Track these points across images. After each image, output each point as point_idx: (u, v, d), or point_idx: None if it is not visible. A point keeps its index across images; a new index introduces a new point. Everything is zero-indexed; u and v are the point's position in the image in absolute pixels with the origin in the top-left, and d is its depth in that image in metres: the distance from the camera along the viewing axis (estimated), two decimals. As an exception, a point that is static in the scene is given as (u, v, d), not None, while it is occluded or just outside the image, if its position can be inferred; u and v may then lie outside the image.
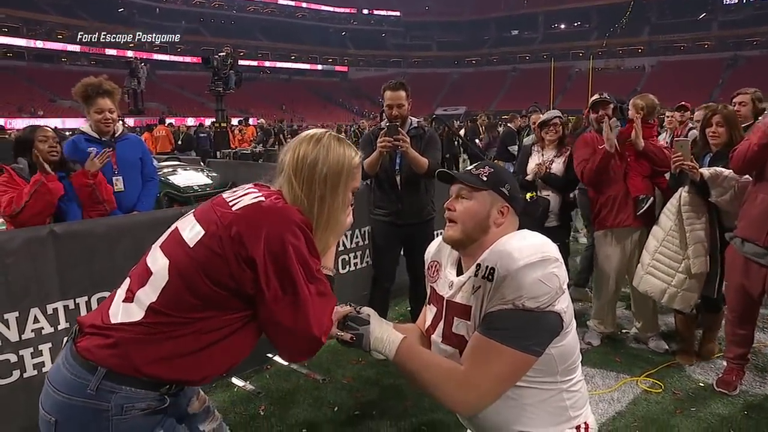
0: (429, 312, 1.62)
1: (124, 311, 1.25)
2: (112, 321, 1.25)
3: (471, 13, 68.63)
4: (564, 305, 1.34)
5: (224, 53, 12.84)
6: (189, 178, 7.44)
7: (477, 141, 10.19)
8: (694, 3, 55.03)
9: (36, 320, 2.35)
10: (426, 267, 1.67)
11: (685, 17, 55.91)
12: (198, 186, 7.27)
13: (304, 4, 66.80)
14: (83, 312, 2.48)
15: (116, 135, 3.27)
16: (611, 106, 3.47)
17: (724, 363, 3.08)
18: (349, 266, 3.95)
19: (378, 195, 3.35)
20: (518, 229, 1.51)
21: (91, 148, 3.07)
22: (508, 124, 8.32)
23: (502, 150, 7.49)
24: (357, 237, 3.97)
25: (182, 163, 8.36)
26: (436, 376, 1.38)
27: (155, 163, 4.51)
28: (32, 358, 2.35)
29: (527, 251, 1.33)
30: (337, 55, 68.42)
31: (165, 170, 7.47)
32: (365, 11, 70.33)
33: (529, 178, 3.70)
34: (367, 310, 1.49)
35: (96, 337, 1.24)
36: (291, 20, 66.15)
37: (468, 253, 1.49)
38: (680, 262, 3.04)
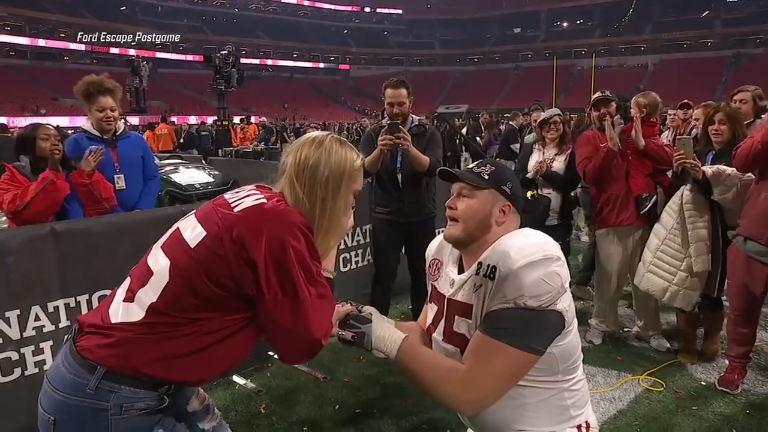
0: (430, 310, 1.61)
1: (124, 311, 1.25)
2: (113, 320, 1.25)
3: (473, 11, 68.51)
4: (566, 304, 1.34)
5: (226, 51, 12.84)
6: (191, 176, 7.44)
7: (477, 139, 10.18)
8: (697, 1, 54.83)
9: (37, 318, 2.35)
10: (427, 265, 1.66)
11: (688, 15, 55.71)
12: (199, 184, 7.26)
13: (306, 2, 66.75)
14: (84, 310, 2.49)
15: (118, 133, 3.27)
16: (613, 104, 3.46)
17: (726, 362, 3.07)
18: (350, 264, 3.95)
19: (379, 193, 3.34)
20: (520, 228, 1.50)
21: (93, 147, 3.07)
22: (510, 123, 8.30)
23: (504, 148, 7.48)
24: (358, 235, 3.97)
25: (184, 162, 8.35)
26: (438, 375, 1.38)
27: (156, 161, 4.52)
28: (33, 355, 2.35)
29: (529, 250, 1.32)
30: (339, 53, 68.40)
31: (166, 168, 7.47)
32: (367, 9, 70.26)
33: (529, 175, 3.69)
34: (369, 309, 1.49)
35: (96, 336, 1.24)
36: (293, 18, 66.11)
37: (469, 252, 1.48)
38: (682, 260, 3.03)
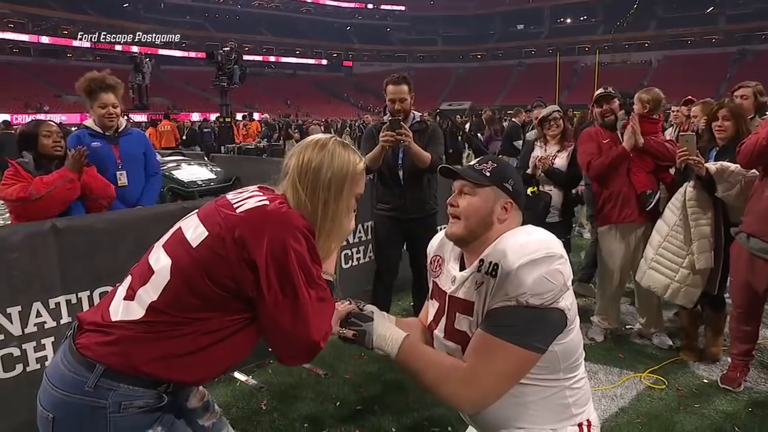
0: (431, 307, 1.61)
1: (124, 309, 1.25)
2: (113, 318, 1.25)
3: (476, 8, 68.32)
4: (568, 302, 1.33)
5: (228, 48, 12.84)
6: (193, 172, 7.46)
7: (479, 135, 10.18)
8: (701, -3, 54.65)
9: (38, 314, 2.36)
10: (428, 261, 1.66)
11: (693, 11, 55.45)
12: (202, 181, 7.29)
13: (308, -1, 66.75)
14: (85, 306, 2.49)
15: (120, 130, 3.27)
16: (615, 100, 3.44)
17: (729, 359, 3.06)
18: (352, 261, 3.95)
19: (381, 190, 3.34)
20: (522, 225, 1.49)
21: (96, 143, 3.07)
22: (513, 119, 8.28)
23: (507, 145, 7.47)
24: (360, 232, 3.97)
25: (186, 158, 8.37)
26: (439, 374, 1.37)
27: (159, 157, 4.52)
28: (35, 351, 2.36)
29: (531, 247, 1.32)
30: (341, 50, 68.33)
31: (169, 165, 7.49)
32: (370, 6, 70.16)
33: (529, 171, 3.68)
34: (370, 307, 1.49)
35: (95, 334, 1.24)
36: (296, 15, 66.07)
37: (471, 249, 1.47)
38: (684, 257, 3.02)
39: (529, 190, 3.56)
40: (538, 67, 56.88)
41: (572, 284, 1.38)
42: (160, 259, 1.28)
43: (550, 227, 1.53)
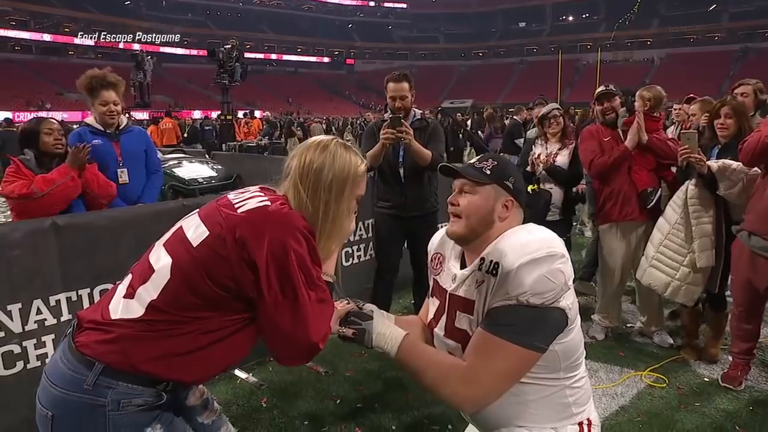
0: (431, 304, 1.60)
1: (124, 307, 1.25)
2: (112, 317, 1.25)
3: (478, 5, 68.20)
4: (569, 301, 1.32)
5: (230, 46, 12.83)
6: (194, 170, 7.47)
7: (479, 132, 10.18)
8: (704, -6, 54.48)
9: (39, 311, 2.36)
10: (429, 259, 1.65)
11: (695, 9, 55.31)
12: (203, 178, 7.29)
13: (310, -4, 66.67)
14: (86, 304, 2.49)
15: (121, 127, 3.28)
16: (617, 98, 3.43)
17: (730, 358, 3.06)
18: (353, 259, 3.95)
19: (381, 187, 3.33)
20: (523, 223, 1.49)
21: (97, 141, 3.07)
22: (515, 117, 8.27)
23: (509, 143, 7.46)
24: (360, 230, 3.97)
25: (187, 156, 8.38)
26: (439, 373, 1.37)
27: (160, 155, 4.52)
28: (35, 349, 2.36)
29: (532, 246, 1.31)
30: (343, 48, 68.31)
31: (170, 162, 7.50)
32: (372, 3, 70.10)
33: (528, 168, 3.67)
34: (369, 306, 1.48)
35: (95, 332, 1.25)
36: (297, 12, 66.03)
37: (472, 247, 1.47)
38: (685, 255, 3.01)
39: (530, 188, 3.56)
40: (540, 65, 56.79)
41: (573, 283, 1.37)
42: (160, 258, 1.29)
43: (550, 225, 1.53)
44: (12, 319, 2.29)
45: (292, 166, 1.36)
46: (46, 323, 2.39)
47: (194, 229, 1.28)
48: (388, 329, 1.42)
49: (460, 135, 9.62)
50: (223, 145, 12.77)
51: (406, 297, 4.10)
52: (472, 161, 1.55)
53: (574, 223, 5.82)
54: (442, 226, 1.68)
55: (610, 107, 3.41)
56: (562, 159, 3.67)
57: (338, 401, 2.84)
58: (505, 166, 1.50)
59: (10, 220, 2.97)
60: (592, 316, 3.66)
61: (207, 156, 8.82)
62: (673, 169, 3.35)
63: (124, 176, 3.25)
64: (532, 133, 4.29)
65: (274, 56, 63.19)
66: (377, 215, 3.43)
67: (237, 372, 3.10)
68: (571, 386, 1.40)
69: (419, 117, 3.28)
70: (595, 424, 1.46)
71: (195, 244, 1.25)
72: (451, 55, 68.30)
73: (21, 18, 47.92)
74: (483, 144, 8.81)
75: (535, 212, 3.43)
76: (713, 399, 2.81)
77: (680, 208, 3.05)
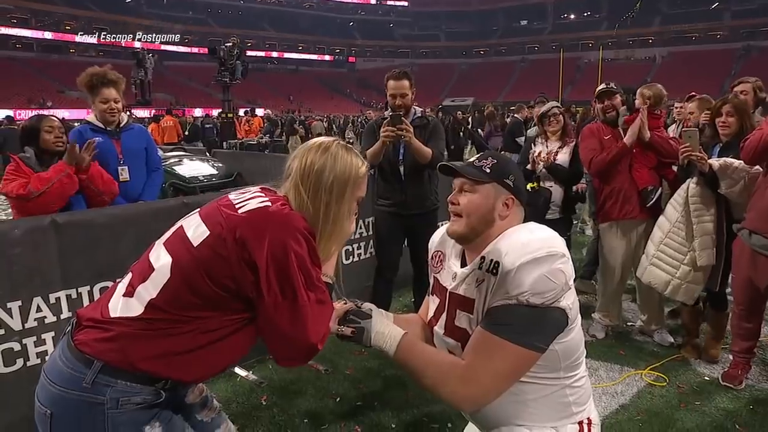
0: (432, 303, 1.60)
1: (123, 305, 1.25)
2: (112, 315, 1.25)
3: (479, 3, 68.11)
4: (569, 301, 1.32)
5: (231, 43, 12.79)
6: (194, 168, 7.46)
7: (479, 130, 10.17)
8: (706, -8, 54.34)
9: (39, 309, 2.35)
10: (429, 257, 1.65)
11: (697, 7, 55.20)
12: (203, 176, 7.29)
13: (311, -6, 66.61)
14: (86, 301, 2.49)
15: (121, 125, 3.28)
16: (618, 96, 3.42)
17: (730, 357, 3.05)
18: (353, 257, 3.95)
19: (381, 185, 3.33)
20: (524, 221, 1.48)
21: (97, 138, 3.07)
22: (516, 115, 8.26)
23: (509, 141, 7.45)
24: (360, 228, 3.96)
25: (188, 154, 8.37)
26: (438, 372, 1.37)
27: (160, 153, 4.52)
28: (35, 346, 2.36)
29: (533, 246, 1.30)
30: (344, 46, 68.27)
31: (170, 160, 7.49)
32: (373, 1, 70.04)
33: (529, 167, 3.66)
34: (368, 305, 1.48)
35: (94, 330, 1.25)
36: (298, 11, 66.01)
37: (473, 246, 1.46)
38: (685, 254, 3.00)
39: (529, 186, 3.55)
40: (542, 63, 56.72)
41: (574, 282, 1.37)
42: (160, 257, 1.29)
43: (550, 224, 1.52)
44: (12, 317, 2.29)
45: (293, 167, 1.36)
46: (46, 321, 2.39)
47: (195, 228, 1.28)
48: (386, 328, 1.41)
49: (461, 133, 9.61)
50: (224, 143, 12.75)
51: (407, 295, 4.10)
52: (471, 160, 1.54)
53: (575, 222, 5.81)
54: (442, 224, 1.67)
55: (610, 105, 3.40)
56: (563, 157, 3.67)
57: (338, 399, 2.84)
58: (506, 165, 1.49)
59: (11, 218, 2.98)
60: (592, 315, 3.65)
61: (207, 154, 8.81)
62: (674, 168, 3.35)
63: (124, 174, 3.26)
64: (532, 131, 4.29)
65: (275, 54, 63.17)
66: (377, 213, 3.42)
67: (237, 370, 3.10)
68: (571, 386, 1.40)
69: (419, 115, 3.28)
70: (595, 423, 1.46)
71: (195, 243, 1.25)
72: (453, 53, 68.24)
73: (22, 16, 47.92)
74: (483, 142, 8.79)
75: (534, 210, 3.42)
76: (713, 398, 2.81)
77: (681, 207, 3.04)
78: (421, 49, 69.34)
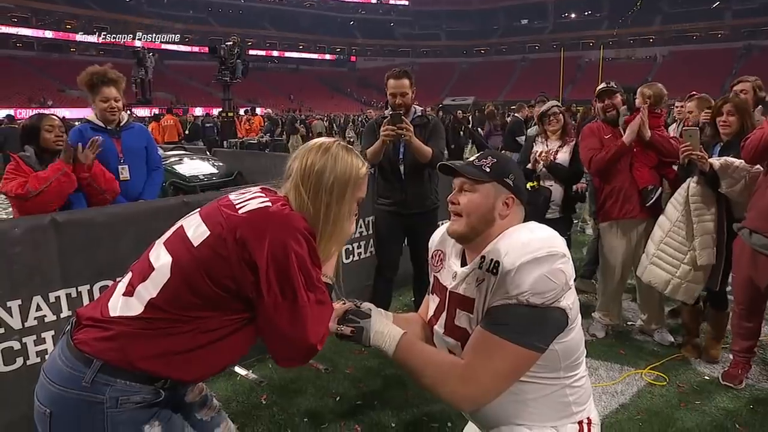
0: (432, 302, 1.60)
1: (123, 305, 1.25)
2: (111, 314, 1.25)
3: (480, 2, 68.04)
4: (570, 301, 1.31)
5: (231, 42, 12.79)
6: (194, 167, 7.46)
7: (480, 130, 10.17)
8: (707, -9, 54.26)
9: (38, 308, 2.36)
10: (430, 255, 1.65)
11: (698, 6, 55.09)
12: (203, 175, 7.28)
13: (312, -7, 66.56)
14: (85, 300, 2.49)
15: (121, 124, 3.27)
16: (618, 95, 3.42)
17: (730, 356, 3.05)
18: (353, 256, 3.95)
19: (381, 184, 3.32)
20: (524, 220, 1.48)
21: (97, 137, 3.07)
22: (516, 114, 8.25)
23: (510, 140, 7.45)
24: (361, 227, 3.96)
25: (188, 153, 8.37)
26: (437, 372, 1.36)
27: (161, 152, 4.52)
28: (35, 345, 2.36)
29: (534, 245, 1.30)
30: (345, 45, 68.22)
31: (171, 159, 7.50)
32: (374, 0, 69.89)
33: (530, 166, 3.66)
34: (367, 305, 1.48)
35: (94, 329, 1.25)
36: (299, 10, 65.97)
37: (473, 246, 1.46)
38: (685, 253, 3.00)
39: (529, 185, 3.55)
40: (542, 63, 56.67)
41: (574, 281, 1.37)
42: (160, 257, 1.29)
43: (550, 223, 1.51)
44: (12, 316, 2.29)
45: (294, 167, 1.36)
46: (46, 320, 2.39)
47: (195, 228, 1.28)
48: (385, 328, 1.41)
49: (461, 132, 9.60)
50: (225, 142, 12.75)
51: (407, 294, 4.10)
52: (471, 159, 1.53)
53: (576, 221, 5.81)
54: (442, 223, 1.67)
55: (611, 104, 3.40)
56: (563, 156, 3.66)
57: (338, 398, 2.84)
58: (506, 164, 1.49)
59: (12, 216, 2.98)
60: (592, 314, 3.65)
61: (208, 153, 8.81)
62: (675, 167, 3.34)
63: (125, 173, 3.25)
64: (532, 130, 4.29)
65: (275, 53, 63.13)
66: (377, 212, 3.42)
67: (237, 369, 3.10)
68: (571, 385, 1.39)
69: (420, 114, 3.28)
70: (595, 422, 1.46)
71: (196, 243, 1.25)
72: (453, 52, 68.17)
73: (23, 15, 47.89)
74: (484, 141, 8.79)
75: (534, 209, 3.41)
76: (713, 397, 2.81)
77: (681, 206, 3.04)
78: (422, 48, 69.29)
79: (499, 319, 1.30)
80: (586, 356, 1.46)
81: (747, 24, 52.19)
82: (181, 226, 1.34)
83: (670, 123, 5.04)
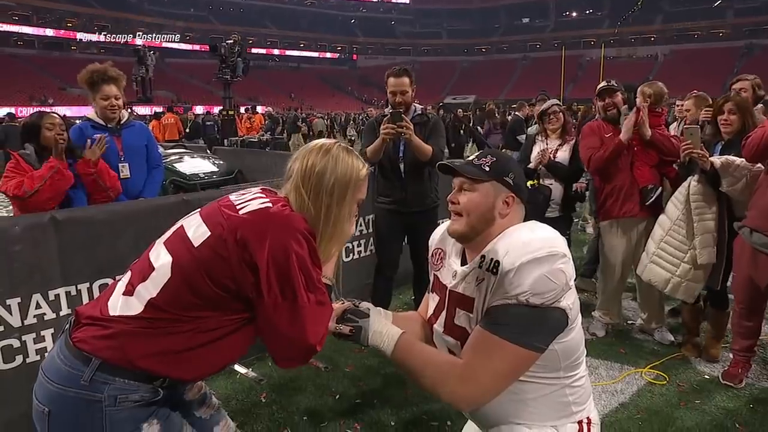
0: (431, 300, 1.59)
1: (123, 304, 1.25)
2: (111, 313, 1.25)
3: (481, 1, 67.96)
4: (570, 301, 1.31)
5: (232, 41, 12.77)
6: (195, 165, 7.46)
7: (479, 128, 10.16)
8: (709, -10, 54.14)
9: (38, 306, 2.36)
10: (430, 254, 1.64)
11: (700, 5, 54.97)
12: (204, 173, 7.28)
13: (313, -8, 66.50)
14: (85, 298, 2.49)
15: (122, 122, 3.27)
16: (618, 94, 3.41)
17: (730, 355, 3.05)
18: (353, 254, 3.94)
19: (382, 183, 3.32)
20: (524, 218, 1.47)
21: (97, 135, 3.07)
22: (517, 113, 8.23)
23: (511, 139, 7.44)
24: (361, 225, 3.96)
25: (188, 151, 8.38)
26: (436, 371, 1.36)
27: (161, 150, 4.52)
28: (35, 343, 2.36)
29: (534, 245, 1.29)
30: (346, 43, 68.19)
31: (171, 158, 7.50)
32: (374, -2, 69.88)
33: (531, 165, 3.65)
34: (366, 304, 1.48)
35: (93, 327, 1.25)
36: (300, 8, 65.93)
37: (473, 245, 1.45)
38: (686, 252, 3.00)
39: (528, 183, 3.54)
40: (543, 61, 56.62)
41: (574, 281, 1.36)
42: (160, 256, 1.29)
43: (550, 222, 1.51)
44: (11, 314, 2.29)
45: (294, 168, 1.36)
46: (45, 318, 2.39)
47: (195, 228, 1.28)
48: (384, 327, 1.41)
49: (462, 131, 9.59)
50: (225, 141, 12.75)
51: (407, 293, 4.10)
52: (471, 158, 1.53)
53: (576, 220, 5.81)
54: (442, 222, 1.67)
55: (611, 103, 3.39)
56: (563, 155, 3.66)
57: (337, 397, 2.84)
58: (505, 162, 1.48)
59: (12, 215, 2.98)
60: (592, 313, 3.65)
61: (208, 151, 8.81)
62: (676, 166, 3.33)
63: (125, 171, 3.26)
64: (533, 129, 4.28)
65: (276, 51, 63.10)
66: (377, 211, 3.42)
67: (236, 367, 3.10)
68: (570, 385, 1.39)
69: (420, 112, 3.27)
70: (595, 422, 1.45)
71: (196, 244, 1.25)
72: (454, 50, 68.13)
73: (24, 13, 47.88)
74: (484, 140, 8.78)
75: (534, 208, 3.41)
76: (713, 396, 2.80)
77: (682, 205, 3.03)
78: (423, 46, 69.23)
79: (499, 319, 1.30)
80: (586, 355, 1.46)
81: (748, 23, 52.10)
82: (182, 226, 1.34)
83: (671, 122, 5.03)
